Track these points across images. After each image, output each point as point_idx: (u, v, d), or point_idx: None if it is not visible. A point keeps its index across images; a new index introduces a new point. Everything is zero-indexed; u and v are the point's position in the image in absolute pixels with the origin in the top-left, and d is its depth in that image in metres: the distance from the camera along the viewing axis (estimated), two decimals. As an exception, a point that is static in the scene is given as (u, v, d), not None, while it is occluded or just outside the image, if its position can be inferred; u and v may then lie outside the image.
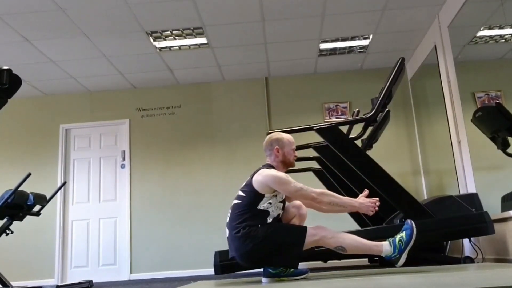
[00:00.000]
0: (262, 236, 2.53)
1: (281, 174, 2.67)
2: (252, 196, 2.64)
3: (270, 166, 2.78)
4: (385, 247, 2.55)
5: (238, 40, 5.14)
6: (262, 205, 2.63)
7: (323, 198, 2.63)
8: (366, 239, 2.63)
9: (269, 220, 2.63)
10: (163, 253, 5.73)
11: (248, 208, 2.63)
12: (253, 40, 5.14)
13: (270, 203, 2.64)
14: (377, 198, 2.68)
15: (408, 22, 4.93)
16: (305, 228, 2.59)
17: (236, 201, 2.70)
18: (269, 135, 2.89)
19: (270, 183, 2.62)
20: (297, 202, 2.82)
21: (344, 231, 3.07)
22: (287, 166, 2.83)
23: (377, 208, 2.64)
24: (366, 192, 2.73)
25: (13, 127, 6.20)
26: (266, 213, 2.63)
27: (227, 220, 2.71)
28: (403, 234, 2.56)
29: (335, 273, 3.12)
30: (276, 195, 2.67)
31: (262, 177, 2.65)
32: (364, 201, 2.65)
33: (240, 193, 2.71)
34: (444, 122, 4.78)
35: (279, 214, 2.72)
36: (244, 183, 2.76)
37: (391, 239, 2.57)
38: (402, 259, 2.53)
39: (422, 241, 3.64)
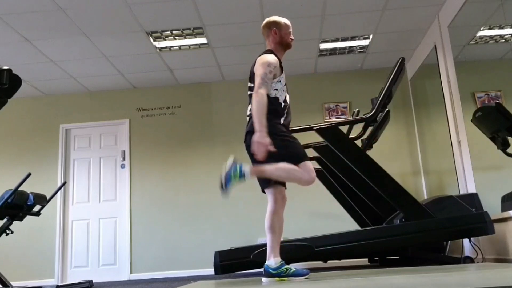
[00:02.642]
0: (267, 130, 2.59)
1: (269, 58, 2.67)
2: None
3: (269, 51, 2.80)
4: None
5: (238, 40, 5.14)
6: (270, 93, 2.67)
7: (253, 100, 2.62)
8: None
9: (282, 104, 2.73)
10: (163, 253, 5.73)
11: None
12: (253, 40, 5.14)
13: (276, 90, 2.72)
14: (272, 148, 2.55)
15: (408, 22, 4.93)
16: (294, 166, 2.61)
17: (249, 92, 2.78)
18: (267, 19, 2.89)
19: (258, 65, 2.68)
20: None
21: (342, 231, 3.05)
22: (284, 48, 2.88)
23: (261, 157, 2.57)
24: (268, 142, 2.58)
25: (13, 127, 6.20)
26: (276, 99, 2.71)
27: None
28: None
29: (335, 273, 3.12)
30: (280, 81, 2.73)
31: (259, 63, 2.69)
32: (262, 141, 2.54)
33: (250, 84, 2.77)
34: (444, 122, 4.78)
35: (286, 96, 2.80)
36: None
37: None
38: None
39: (422, 241, 3.68)
